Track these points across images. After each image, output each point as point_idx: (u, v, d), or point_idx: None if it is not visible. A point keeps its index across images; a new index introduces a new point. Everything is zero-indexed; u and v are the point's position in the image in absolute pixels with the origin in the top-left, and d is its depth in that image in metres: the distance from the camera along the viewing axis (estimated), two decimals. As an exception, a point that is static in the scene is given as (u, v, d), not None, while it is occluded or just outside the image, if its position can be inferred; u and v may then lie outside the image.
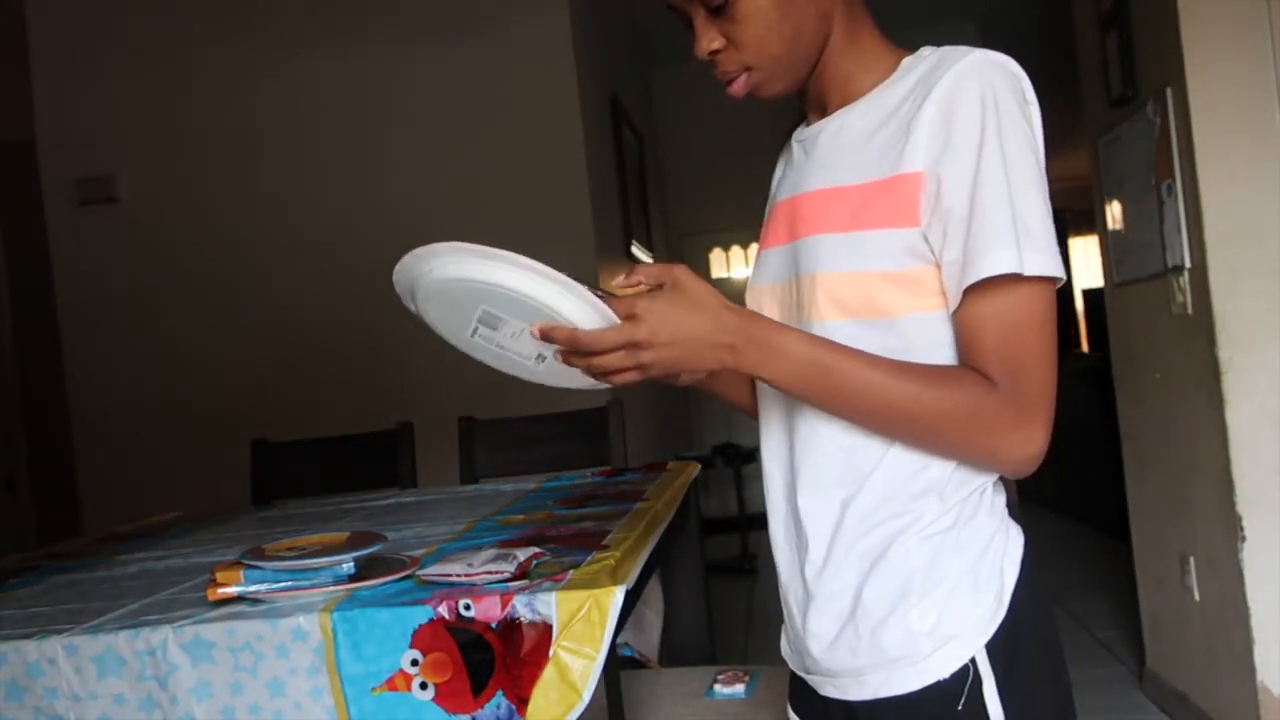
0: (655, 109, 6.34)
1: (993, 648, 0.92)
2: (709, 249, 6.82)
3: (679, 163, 6.50)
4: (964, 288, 0.88)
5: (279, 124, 3.68)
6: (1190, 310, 2.66)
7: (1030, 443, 0.89)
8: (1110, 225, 3.18)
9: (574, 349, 0.89)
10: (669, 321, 0.87)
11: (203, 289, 3.68)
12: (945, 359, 0.93)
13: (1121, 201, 3.07)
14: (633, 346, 0.87)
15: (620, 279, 0.92)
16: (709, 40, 0.97)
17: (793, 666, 1.07)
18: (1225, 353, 2.53)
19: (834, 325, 0.93)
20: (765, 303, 1.03)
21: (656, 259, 5.35)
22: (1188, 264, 2.63)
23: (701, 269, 6.62)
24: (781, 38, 0.95)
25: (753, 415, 1.11)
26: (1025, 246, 0.87)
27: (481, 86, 3.61)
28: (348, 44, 3.65)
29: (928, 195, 0.90)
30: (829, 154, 0.99)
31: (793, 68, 0.98)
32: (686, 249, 6.62)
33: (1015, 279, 0.87)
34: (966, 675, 0.91)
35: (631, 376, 0.90)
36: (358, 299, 3.64)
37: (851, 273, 0.93)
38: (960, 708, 0.91)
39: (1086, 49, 3.24)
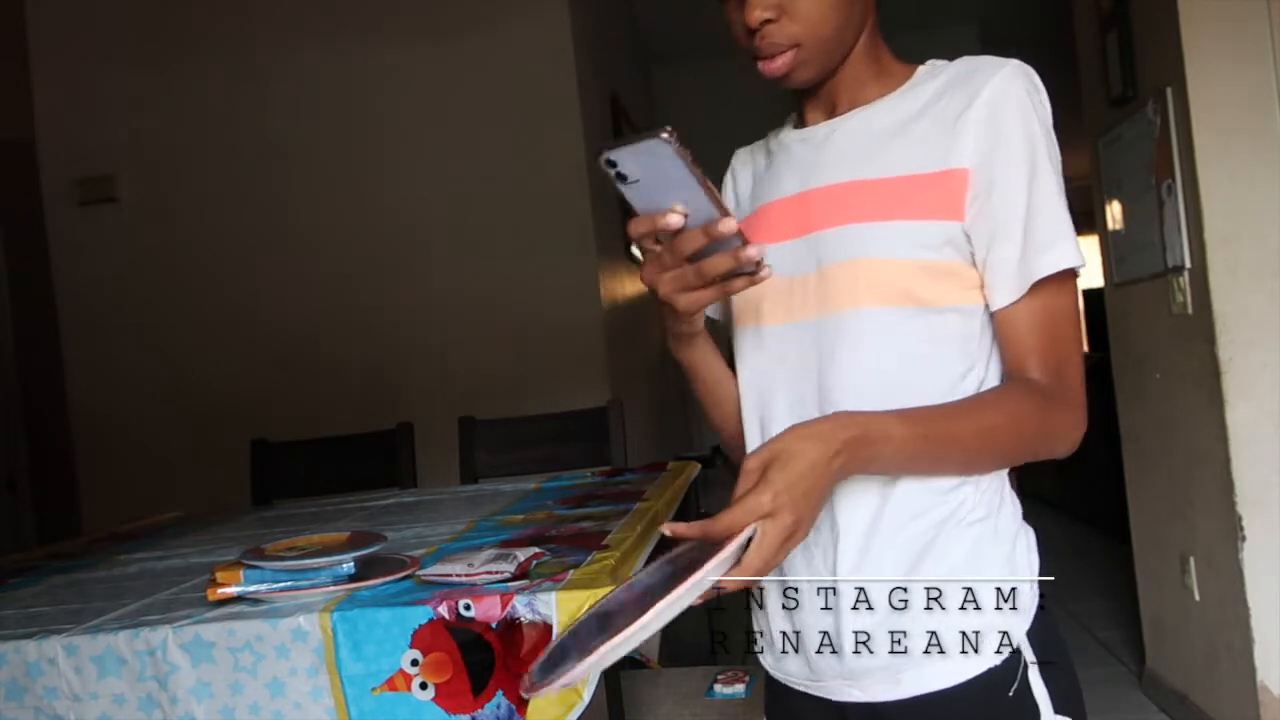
0: (655, 109, 6.33)
1: (1031, 634, 0.94)
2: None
3: (679, 163, 6.48)
4: (1031, 283, 0.92)
5: (279, 124, 3.68)
6: (1190, 310, 2.66)
7: (1077, 428, 0.94)
8: (1110, 225, 3.18)
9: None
10: (796, 490, 0.82)
11: (203, 289, 3.68)
12: (968, 352, 0.95)
13: (1121, 201, 3.07)
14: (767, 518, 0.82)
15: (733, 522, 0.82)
16: (763, 9, 0.94)
17: (783, 677, 1.04)
18: (1225, 353, 2.53)
19: (871, 312, 0.94)
20: (766, 301, 1.02)
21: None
22: (1188, 264, 2.63)
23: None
24: (835, 21, 0.96)
25: (726, 413, 1.09)
26: (1074, 242, 0.93)
27: (481, 86, 3.61)
28: (348, 44, 3.65)
29: (974, 193, 0.93)
30: (851, 149, 0.99)
31: (832, 55, 0.98)
32: (686, 249, 6.60)
33: (1062, 275, 0.93)
34: (1018, 661, 0.93)
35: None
36: (358, 298, 3.64)
37: (893, 260, 0.94)
38: (1011, 694, 0.92)
39: (1086, 49, 3.24)
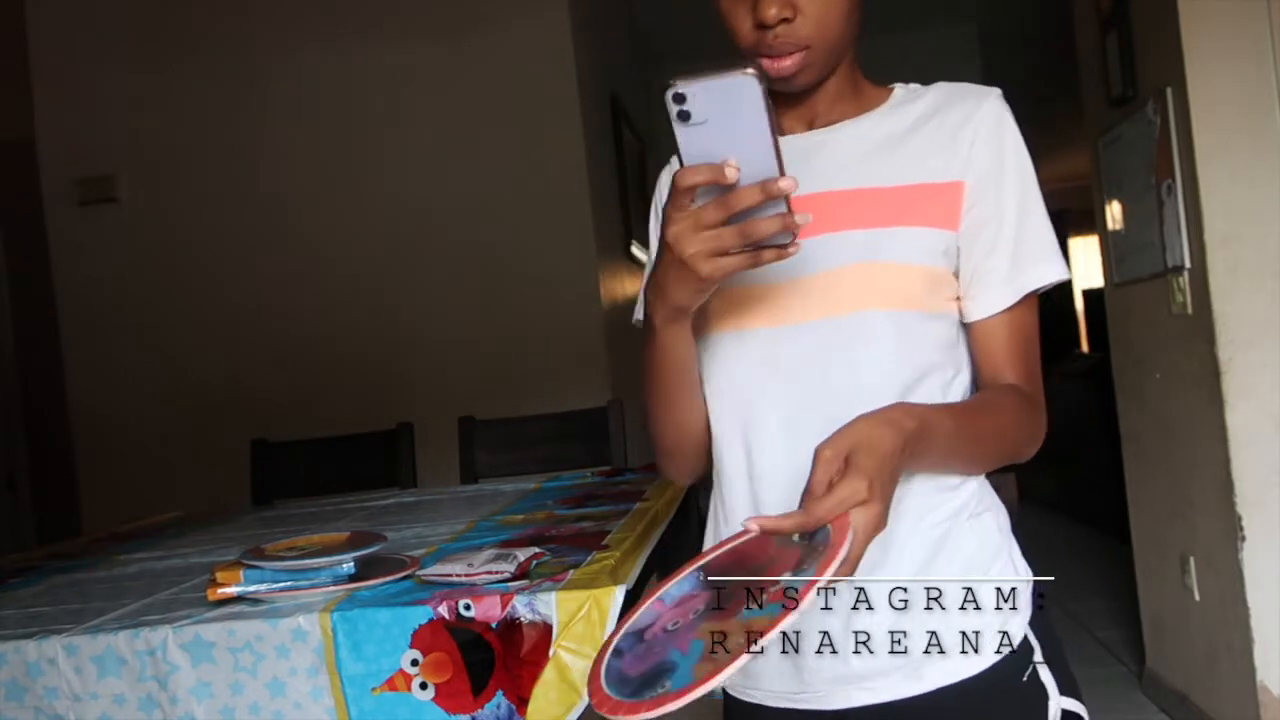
0: (655, 109, 6.33)
1: (1033, 624, 0.97)
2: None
3: (679, 163, 6.47)
4: (1023, 294, 0.97)
5: (279, 123, 3.68)
6: (1190, 310, 2.66)
7: (1043, 435, 0.99)
8: (1110, 225, 3.18)
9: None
10: (884, 476, 0.81)
11: (203, 289, 3.68)
12: (954, 358, 0.99)
13: (1121, 201, 3.07)
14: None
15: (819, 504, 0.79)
16: (780, 7, 0.93)
17: (758, 696, 1.01)
18: (1225, 353, 2.53)
19: (885, 314, 0.95)
20: (753, 304, 0.99)
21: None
22: (1188, 264, 2.63)
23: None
24: (841, 29, 0.96)
25: (694, 410, 1.03)
26: (1062, 258, 0.99)
27: (481, 86, 3.61)
28: (348, 44, 3.65)
29: (968, 205, 0.97)
30: (848, 157, 1.00)
31: (830, 62, 0.99)
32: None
33: (1034, 291, 0.98)
34: (1029, 646, 0.96)
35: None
36: (358, 298, 3.64)
37: (904, 264, 0.96)
38: (1025, 679, 0.95)
39: (1086, 49, 3.23)
